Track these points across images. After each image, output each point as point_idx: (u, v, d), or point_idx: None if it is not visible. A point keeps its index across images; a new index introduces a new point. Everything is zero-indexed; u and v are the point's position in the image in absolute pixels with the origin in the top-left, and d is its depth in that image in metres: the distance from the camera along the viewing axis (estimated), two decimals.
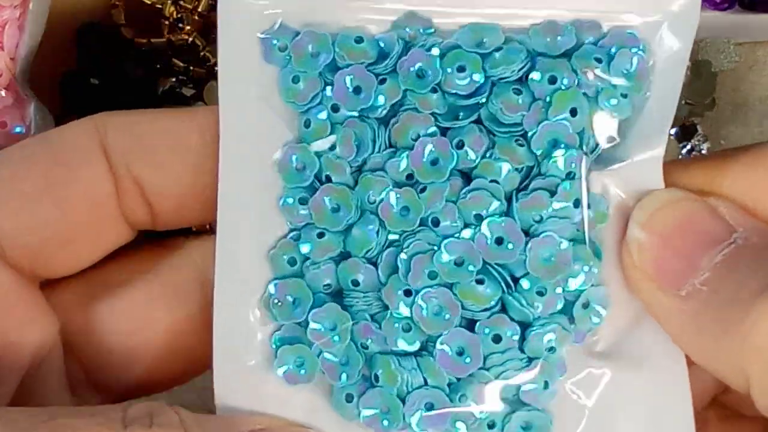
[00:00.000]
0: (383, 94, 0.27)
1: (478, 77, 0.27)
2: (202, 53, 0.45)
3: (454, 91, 0.27)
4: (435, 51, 0.27)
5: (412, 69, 0.27)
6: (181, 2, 0.45)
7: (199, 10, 0.45)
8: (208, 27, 0.46)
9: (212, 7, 0.45)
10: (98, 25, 0.45)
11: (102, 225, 0.27)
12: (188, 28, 0.45)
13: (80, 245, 0.27)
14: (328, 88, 0.27)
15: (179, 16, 0.45)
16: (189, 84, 0.46)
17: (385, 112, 0.27)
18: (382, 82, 0.27)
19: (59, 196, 0.26)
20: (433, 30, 0.27)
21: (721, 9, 0.47)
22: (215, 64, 0.45)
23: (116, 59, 0.45)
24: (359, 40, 0.27)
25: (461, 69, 0.27)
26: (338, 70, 0.27)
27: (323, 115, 0.27)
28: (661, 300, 0.25)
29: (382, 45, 0.27)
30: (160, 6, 0.45)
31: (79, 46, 0.45)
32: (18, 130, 0.42)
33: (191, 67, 0.46)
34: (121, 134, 0.27)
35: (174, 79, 0.45)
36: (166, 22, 0.45)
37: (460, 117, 0.27)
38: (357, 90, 0.27)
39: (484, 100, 0.27)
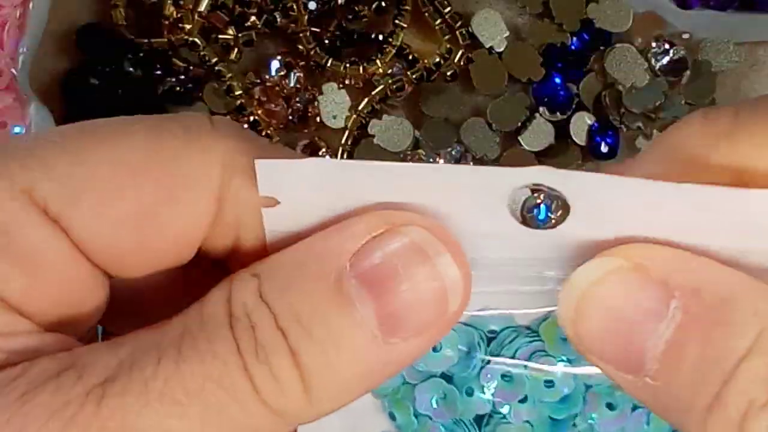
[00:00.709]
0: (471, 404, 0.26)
1: (567, 390, 0.25)
2: (202, 53, 0.45)
3: (545, 400, 0.26)
4: (521, 355, 0.25)
5: (496, 377, 0.25)
6: (181, 2, 0.45)
7: (199, 10, 0.45)
8: (208, 27, 0.46)
9: (212, 7, 0.45)
10: (98, 25, 0.45)
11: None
12: (188, 28, 0.45)
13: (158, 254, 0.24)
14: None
15: (179, 16, 0.45)
16: (189, 84, 0.46)
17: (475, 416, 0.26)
18: (469, 391, 0.26)
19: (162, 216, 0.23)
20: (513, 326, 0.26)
21: (721, 9, 0.47)
22: (215, 63, 0.45)
23: (116, 59, 0.45)
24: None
25: (549, 383, 0.25)
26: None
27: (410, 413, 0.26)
28: (622, 379, 0.23)
29: (461, 347, 0.25)
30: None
31: (79, 46, 0.45)
32: (18, 130, 0.42)
33: (191, 67, 0.46)
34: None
35: (174, 79, 0.45)
36: (166, 22, 0.45)
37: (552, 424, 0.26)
38: (442, 399, 0.26)
39: (578, 411, 0.26)
